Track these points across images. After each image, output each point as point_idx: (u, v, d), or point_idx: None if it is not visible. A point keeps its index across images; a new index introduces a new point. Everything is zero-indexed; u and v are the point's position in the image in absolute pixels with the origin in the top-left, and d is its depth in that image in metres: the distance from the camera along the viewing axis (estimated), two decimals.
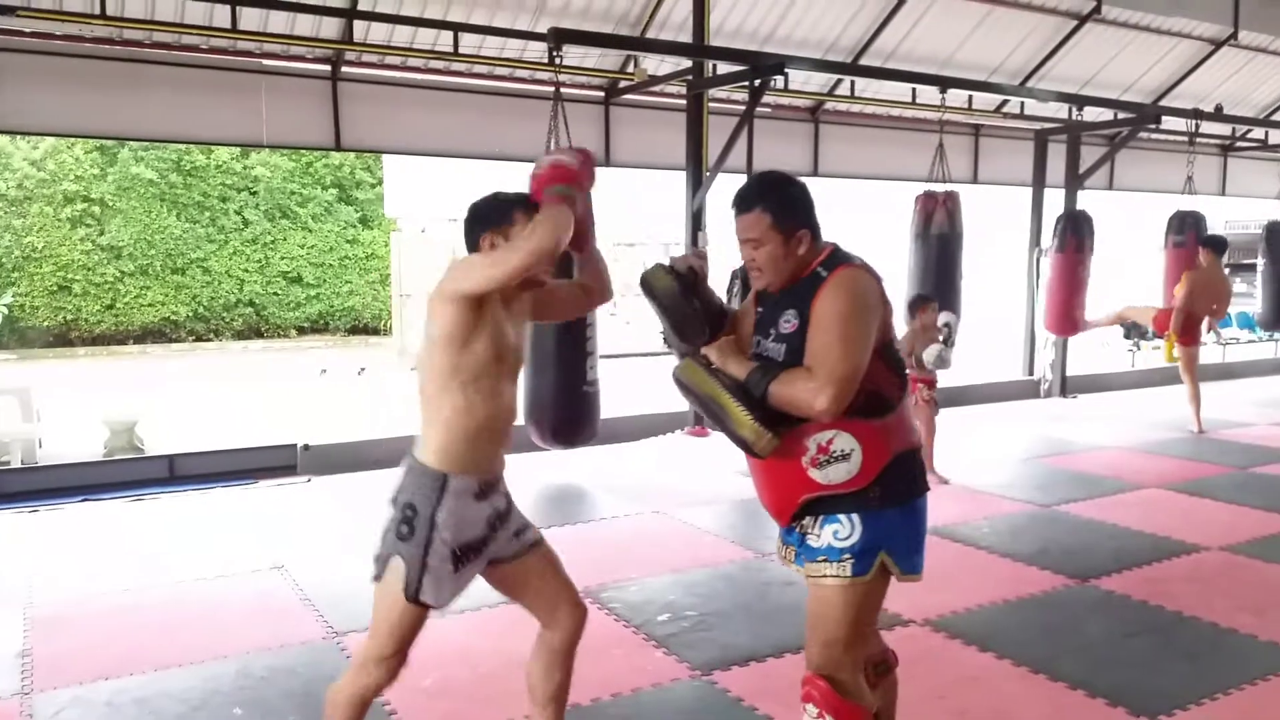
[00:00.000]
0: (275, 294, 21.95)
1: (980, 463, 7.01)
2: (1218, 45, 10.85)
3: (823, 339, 2.31)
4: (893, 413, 2.40)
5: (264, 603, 4.32)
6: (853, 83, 9.47)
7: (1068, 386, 10.43)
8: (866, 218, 15.62)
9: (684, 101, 8.18)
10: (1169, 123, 10.09)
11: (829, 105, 9.90)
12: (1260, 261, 11.43)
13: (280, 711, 3.29)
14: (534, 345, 6.29)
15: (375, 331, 22.70)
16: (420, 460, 2.48)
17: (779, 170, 2.55)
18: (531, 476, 6.58)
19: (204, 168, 20.97)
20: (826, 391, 2.24)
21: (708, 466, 6.97)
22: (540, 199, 2.51)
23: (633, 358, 13.66)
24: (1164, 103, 11.04)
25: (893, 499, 2.41)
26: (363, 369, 14.05)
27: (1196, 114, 9.86)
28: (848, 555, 2.37)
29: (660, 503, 5.92)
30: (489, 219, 2.53)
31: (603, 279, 2.85)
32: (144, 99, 7.09)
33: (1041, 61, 10.16)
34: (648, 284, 2.54)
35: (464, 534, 2.47)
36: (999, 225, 12.82)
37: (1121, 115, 9.73)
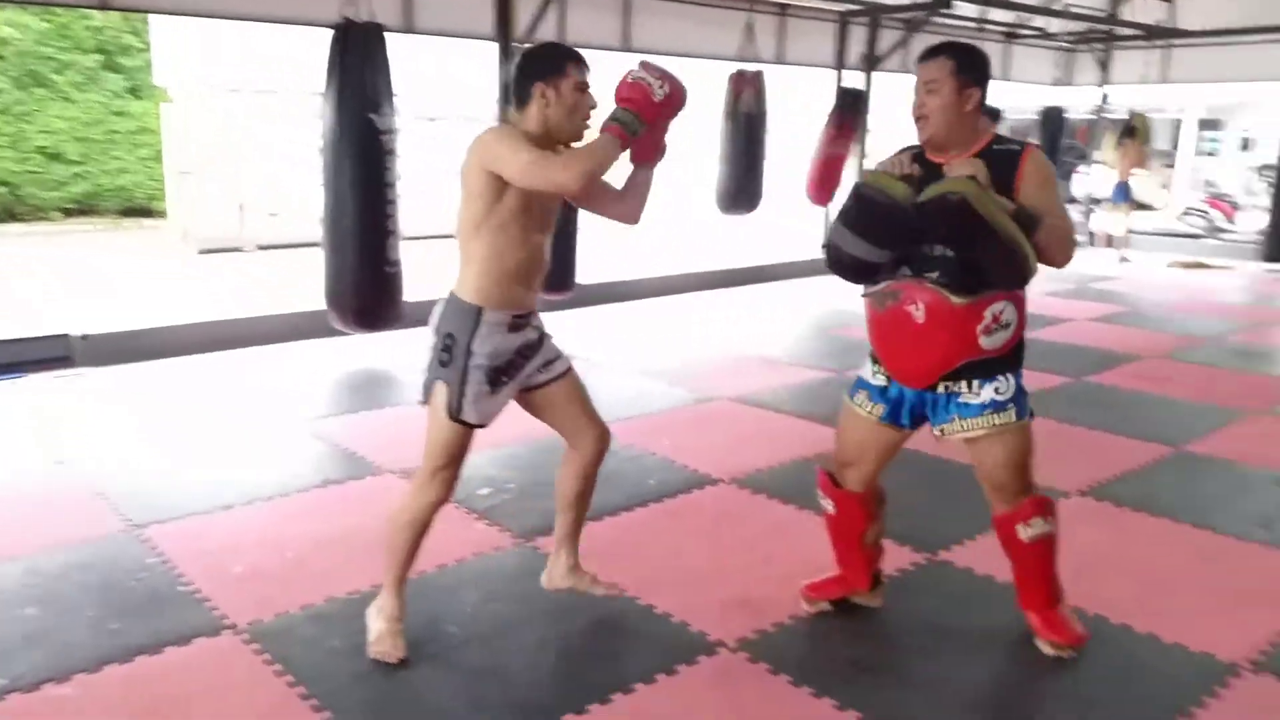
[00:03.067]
0: (32, 172, 19.77)
1: (778, 335, 7.35)
2: None
3: (1054, 200, 2.63)
4: (1027, 284, 2.68)
5: (49, 500, 4.02)
6: None
7: None
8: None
9: None
10: (960, 8, 10.49)
11: None
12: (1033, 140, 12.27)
13: (78, 607, 3.10)
14: (332, 224, 5.99)
15: (150, 214, 20.93)
16: (458, 295, 2.68)
17: None
18: (333, 362, 6.36)
19: None
20: (1073, 245, 2.68)
21: None
22: (617, 95, 2.56)
23: (435, 239, 13.30)
24: None
25: (1021, 362, 2.79)
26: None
27: (985, 0, 10.29)
28: (1011, 405, 2.72)
29: None
30: (541, 69, 2.61)
31: (639, 203, 2.84)
32: None
33: None
34: (881, 191, 2.58)
35: (497, 360, 2.71)
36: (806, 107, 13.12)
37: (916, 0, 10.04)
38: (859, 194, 2.67)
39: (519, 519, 3.83)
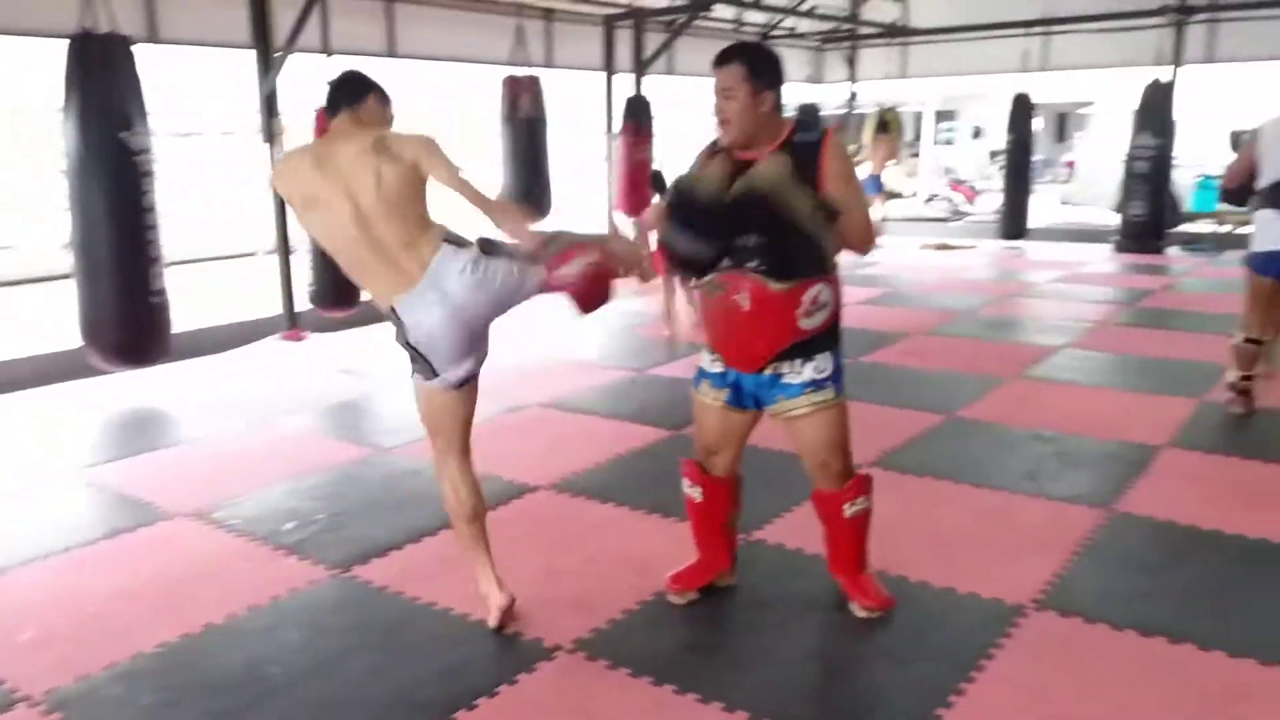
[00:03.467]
0: None
1: (582, 338, 7.42)
2: None
3: (852, 188, 2.82)
4: (837, 266, 2.86)
5: None
6: None
7: None
8: (452, 102, 15.45)
9: None
10: (719, 10, 10.94)
11: None
12: None
13: None
14: (84, 254, 5.54)
15: None
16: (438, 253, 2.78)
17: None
18: (98, 404, 5.83)
19: None
20: (872, 233, 2.86)
21: (306, 371, 6.68)
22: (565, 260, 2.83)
23: (205, 262, 12.54)
24: None
25: (838, 341, 2.95)
26: None
27: (740, 2, 10.78)
28: (829, 383, 2.89)
29: (259, 413, 5.57)
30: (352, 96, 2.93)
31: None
32: None
33: None
34: (696, 188, 2.72)
35: None
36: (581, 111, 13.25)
37: (678, 2, 10.38)
38: (678, 192, 2.78)
39: (332, 550, 3.68)
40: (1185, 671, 2.79)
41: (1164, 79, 11.00)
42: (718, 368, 3.02)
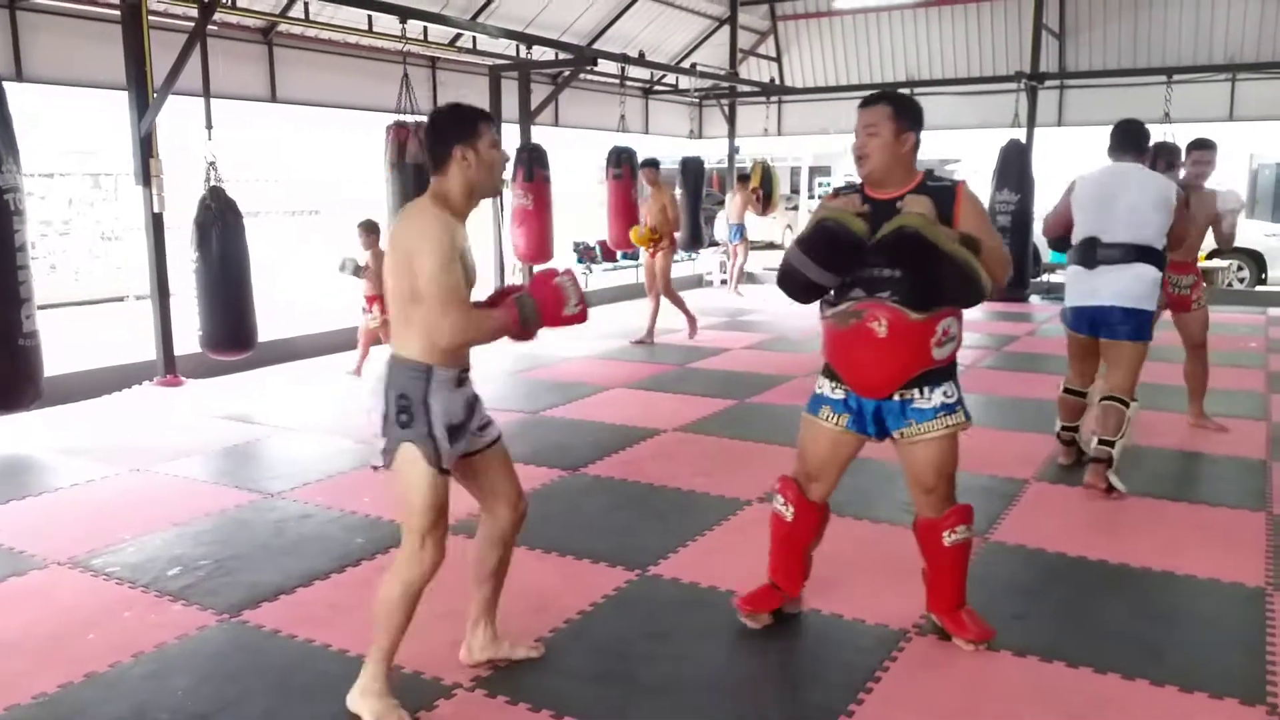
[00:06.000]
0: None
1: (476, 382, 7.38)
2: None
3: (989, 229, 2.98)
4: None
5: None
6: (306, 5, 9.13)
7: None
8: (341, 146, 15.24)
9: (118, 12, 7.26)
10: (602, 65, 11.21)
11: (283, 28, 9.44)
12: (678, 192, 13.31)
13: None
14: None
15: None
16: (404, 356, 2.65)
17: None
18: None
19: None
20: (1010, 261, 3.00)
21: (185, 416, 6.47)
22: (533, 288, 2.70)
23: (72, 307, 11.99)
24: (597, 45, 12.22)
25: (957, 371, 3.11)
26: None
27: (624, 58, 11.08)
28: (959, 408, 3.05)
29: (139, 460, 5.37)
30: (457, 132, 2.65)
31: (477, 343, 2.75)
32: None
33: None
34: (844, 226, 2.86)
35: (451, 417, 2.69)
36: None
37: (563, 56, 10.60)
38: (824, 227, 2.91)
39: (220, 595, 3.58)
40: (1055, 688, 2.96)
41: (1021, 139, 11.76)
42: (839, 394, 3.13)
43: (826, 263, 2.95)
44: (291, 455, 5.62)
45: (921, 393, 3.03)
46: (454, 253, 2.57)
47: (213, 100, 7.59)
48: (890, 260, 2.89)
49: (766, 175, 13.56)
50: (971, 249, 2.85)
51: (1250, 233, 14.06)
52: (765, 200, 13.55)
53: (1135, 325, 4.62)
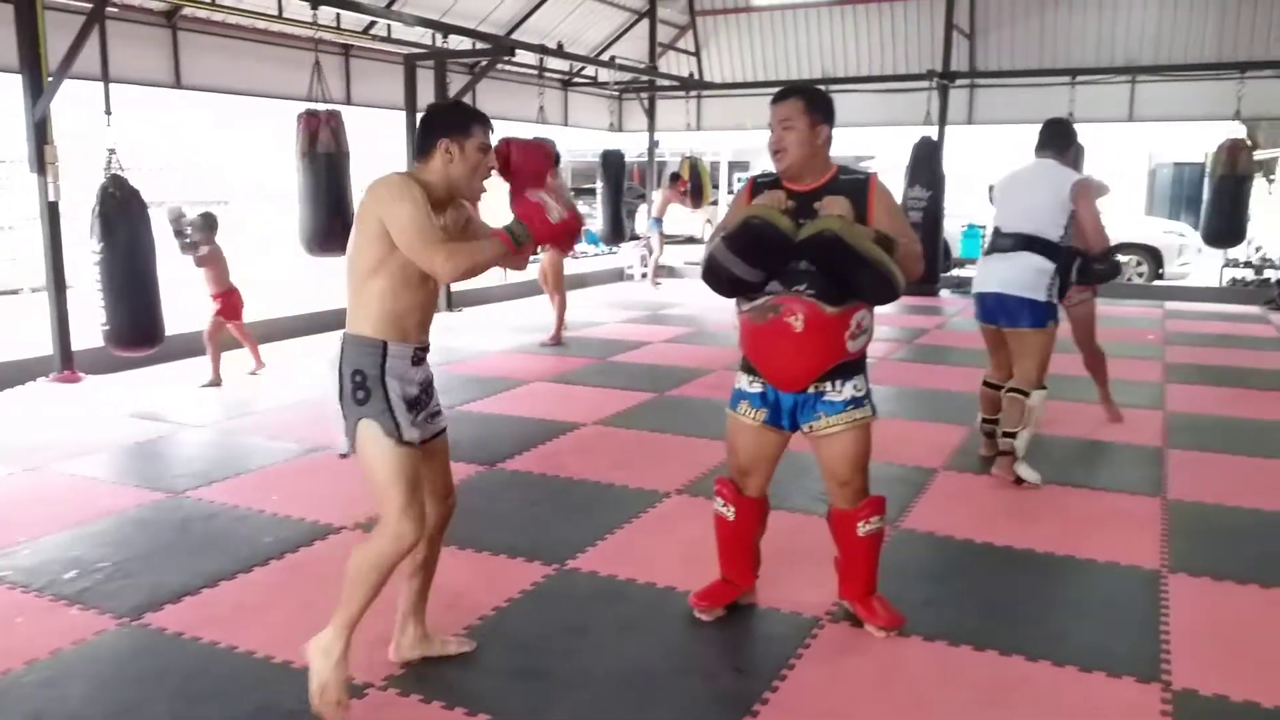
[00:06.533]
0: None
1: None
2: None
3: (902, 223, 3.02)
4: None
5: None
6: None
7: (453, 301, 11.14)
8: (241, 133, 14.82)
9: None
10: (520, 56, 11.11)
11: (188, 11, 9.12)
12: (598, 185, 13.31)
13: None
14: None
15: None
16: (358, 334, 2.63)
17: None
18: None
19: None
20: (922, 256, 3.01)
21: (85, 413, 6.22)
22: (514, 198, 2.70)
23: None
24: (515, 36, 12.10)
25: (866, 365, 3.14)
26: None
27: (543, 49, 11.00)
28: (867, 402, 3.08)
29: (33, 459, 5.15)
30: (448, 126, 2.64)
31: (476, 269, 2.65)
32: None
33: None
34: (769, 224, 2.84)
35: (407, 392, 2.66)
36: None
37: (481, 45, 10.47)
38: (751, 225, 2.89)
39: (120, 598, 3.45)
40: (963, 670, 3.04)
41: (933, 137, 12.02)
42: (757, 388, 3.14)
43: (754, 260, 2.96)
44: (197, 453, 5.44)
45: (834, 385, 3.06)
46: (426, 205, 2.56)
47: (113, 85, 7.32)
48: (816, 262, 2.91)
49: (695, 171, 13.63)
50: (887, 248, 2.88)
51: (1148, 229, 14.65)
52: (696, 195, 13.64)
53: (1031, 314, 4.71)
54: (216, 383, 7.01)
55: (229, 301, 7.10)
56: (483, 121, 2.70)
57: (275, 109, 9.96)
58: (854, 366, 3.09)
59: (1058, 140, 4.90)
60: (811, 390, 3.07)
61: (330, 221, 7.55)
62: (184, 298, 7.60)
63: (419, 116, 2.81)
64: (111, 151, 6.70)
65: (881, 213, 3.00)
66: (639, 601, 3.44)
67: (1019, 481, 4.77)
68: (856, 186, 3.01)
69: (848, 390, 3.07)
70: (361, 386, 2.61)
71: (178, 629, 3.22)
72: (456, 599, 3.44)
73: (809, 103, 3.02)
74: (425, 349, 2.76)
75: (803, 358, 3.02)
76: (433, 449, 2.85)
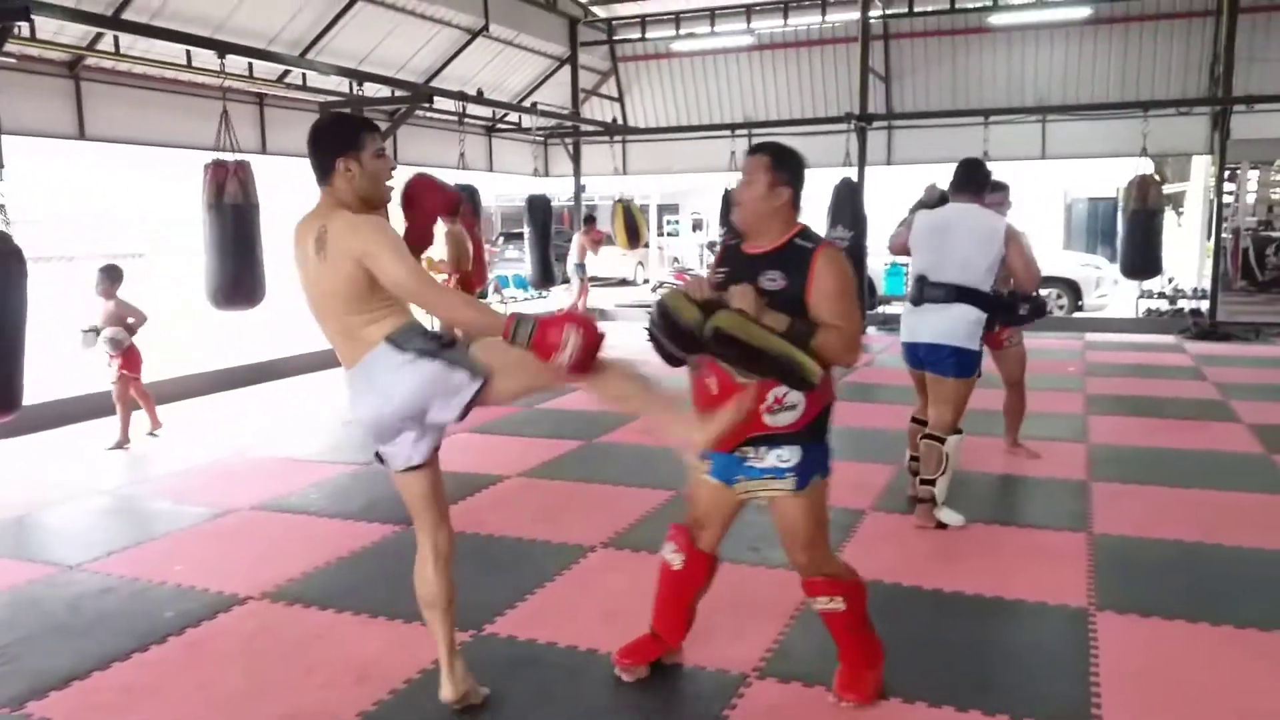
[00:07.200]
0: None
1: (297, 432, 7.03)
2: (474, 35, 12.13)
3: (840, 304, 2.81)
4: (826, 372, 2.79)
5: None
6: (116, 38, 8.60)
7: None
8: (157, 184, 14.45)
9: None
10: (440, 103, 11.02)
11: (91, 61, 8.86)
12: (526, 230, 13.22)
13: None
14: None
15: None
16: (380, 338, 2.65)
17: None
18: None
19: None
20: (855, 347, 2.84)
21: None
22: (409, 233, 2.82)
23: None
24: (435, 84, 12.01)
25: (816, 435, 2.93)
26: None
27: (462, 96, 10.91)
28: (790, 474, 2.89)
29: None
30: (339, 144, 2.63)
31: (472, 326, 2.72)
32: None
33: (319, 35, 10.31)
34: (674, 312, 2.75)
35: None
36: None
37: (399, 93, 10.35)
38: (662, 310, 2.81)
39: (2, 686, 3.20)
40: None
41: (853, 177, 12.19)
42: None
43: (668, 338, 2.88)
44: (95, 521, 5.15)
45: (756, 451, 2.94)
46: (402, 243, 2.61)
47: (10, 137, 7.02)
48: (719, 354, 2.80)
49: (630, 214, 13.62)
50: (805, 334, 2.76)
51: (1066, 263, 15.02)
52: (633, 236, 13.63)
53: (957, 363, 4.71)
54: (124, 443, 6.70)
55: (129, 357, 6.81)
56: (370, 128, 2.71)
57: (191, 159, 9.69)
58: (784, 438, 2.92)
59: (973, 182, 4.91)
60: (736, 453, 2.97)
61: (239, 274, 7.29)
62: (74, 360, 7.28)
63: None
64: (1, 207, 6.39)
65: (819, 291, 2.82)
66: (559, 667, 3.29)
67: (942, 526, 4.74)
68: (801, 258, 2.87)
69: (770, 459, 2.93)
70: (436, 343, 2.66)
71: (63, 719, 2.98)
72: (366, 672, 3.26)
73: (773, 160, 2.92)
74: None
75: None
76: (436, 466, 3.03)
